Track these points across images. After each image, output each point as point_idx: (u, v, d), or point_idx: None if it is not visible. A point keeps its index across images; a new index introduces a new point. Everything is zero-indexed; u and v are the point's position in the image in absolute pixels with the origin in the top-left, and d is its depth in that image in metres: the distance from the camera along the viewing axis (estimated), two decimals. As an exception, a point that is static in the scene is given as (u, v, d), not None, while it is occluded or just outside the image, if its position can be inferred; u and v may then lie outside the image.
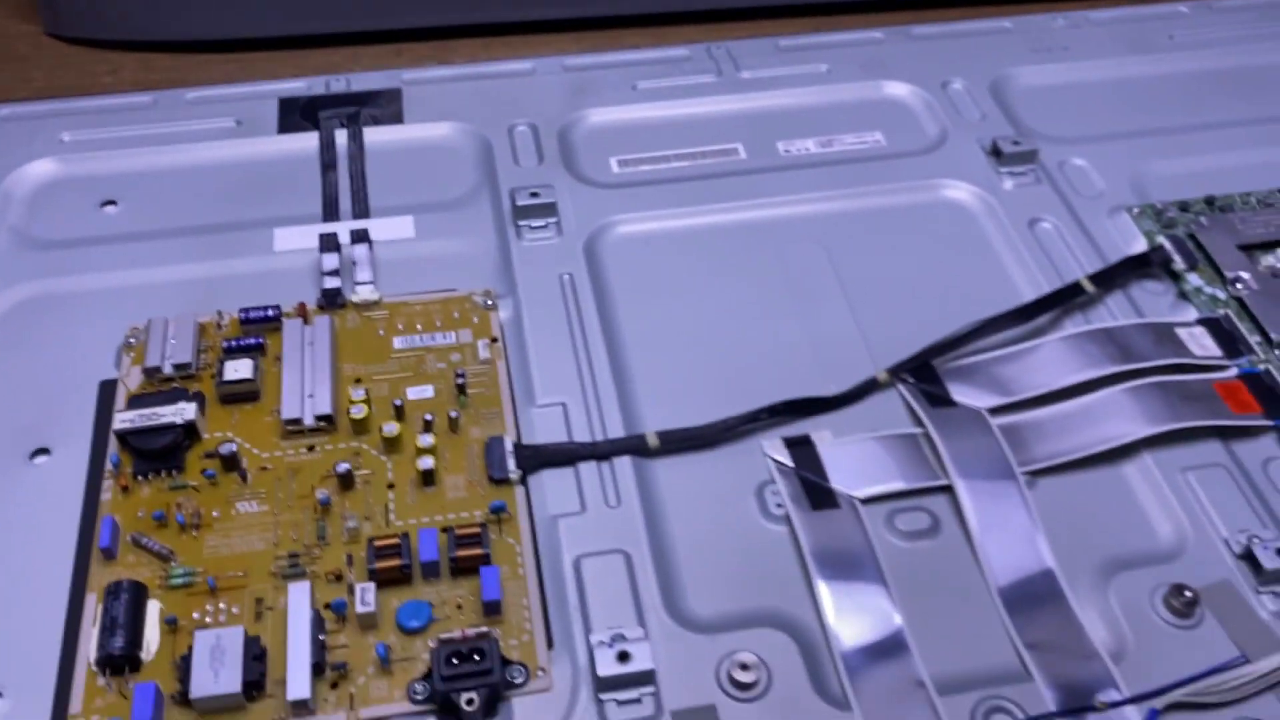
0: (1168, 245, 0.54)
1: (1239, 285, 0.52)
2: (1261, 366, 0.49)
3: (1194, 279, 0.53)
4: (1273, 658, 0.40)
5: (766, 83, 0.65)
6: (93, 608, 0.40)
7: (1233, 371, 0.49)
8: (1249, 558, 0.43)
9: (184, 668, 0.38)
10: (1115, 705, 0.39)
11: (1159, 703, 0.39)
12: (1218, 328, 0.51)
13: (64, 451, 0.46)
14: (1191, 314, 0.52)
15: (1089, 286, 0.52)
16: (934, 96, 0.64)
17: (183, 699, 0.38)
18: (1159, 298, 0.53)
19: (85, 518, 0.44)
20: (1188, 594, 0.42)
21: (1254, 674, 0.40)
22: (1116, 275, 0.53)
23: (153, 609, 0.40)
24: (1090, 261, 0.55)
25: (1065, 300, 0.52)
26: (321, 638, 0.40)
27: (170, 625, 0.40)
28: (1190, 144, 0.61)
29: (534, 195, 0.56)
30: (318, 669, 0.39)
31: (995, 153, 0.59)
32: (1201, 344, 0.50)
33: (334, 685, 0.39)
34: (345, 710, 0.38)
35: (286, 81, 0.64)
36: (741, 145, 0.61)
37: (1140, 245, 0.55)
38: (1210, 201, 0.57)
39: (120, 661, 0.39)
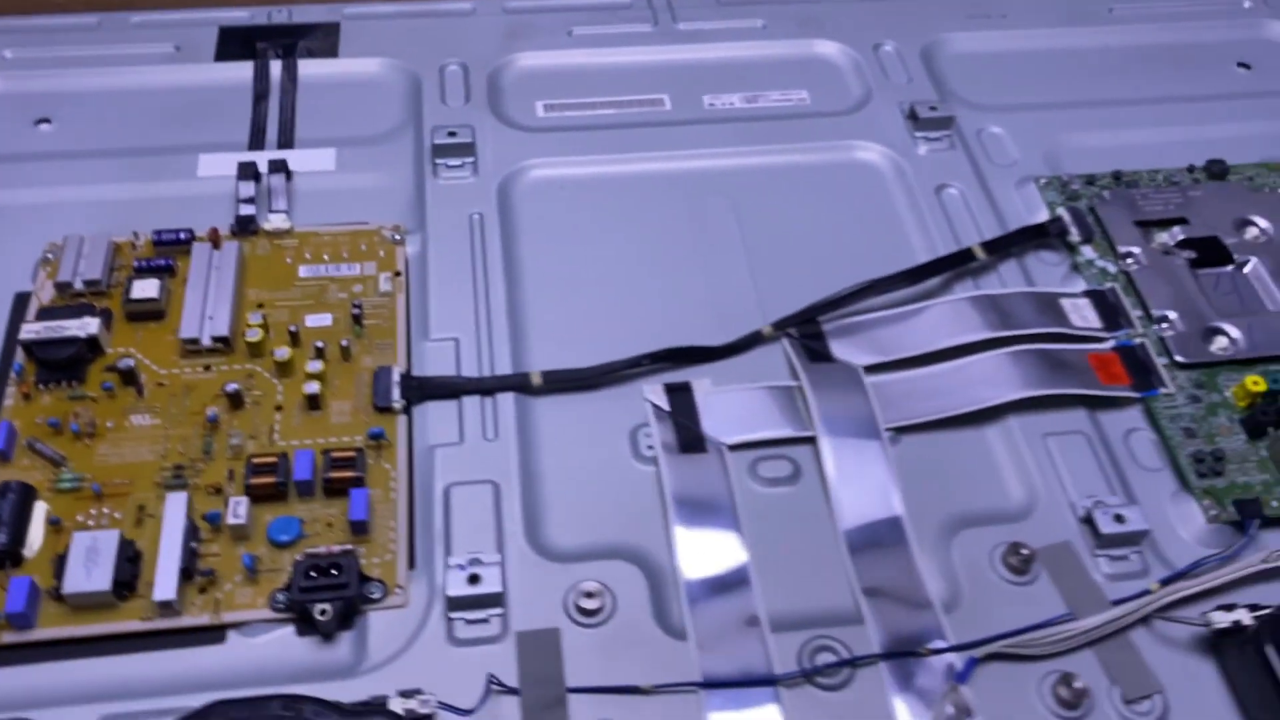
0: (1066, 217, 0.55)
1: (1129, 260, 0.54)
2: (1138, 340, 0.51)
3: (1088, 251, 0.55)
4: (1097, 616, 0.42)
5: (701, 35, 0.66)
6: (-17, 506, 0.43)
7: (1110, 344, 0.51)
8: (1090, 522, 0.45)
9: (60, 565, 0.41)
10: (936, 652, 0.41)
11: (979, 652, 0.41)
12: (1102, 300, 0.52)
13: (-26, 358, 0.49)
14: (1081, 286, 0.54)
15: (980, 253, 0.54)
16: (864, 58, 0.65)
17: (57, 595, 0.40)
18: (1054, 268, 0.55)
19: (-13, 421, 0.46)
20: (1024, 552, 0.44)
21: (1076, 630, 0.42)
22: (1012, 244, 0.55)
23: (39, 510, 0.43)
24: (990, 229, 0.56)
25: (954, 265, 0.53)
26: (194, 546, 0.42)
27: (54, 526, 0.42)
28: (1111, 118, 0.62)
29: (451, 135, 0.57)
30: (187, 574, 0.41)
31: (912, 117, 0.60)
32: (1083, 315, 0.52)
33: (202, 590, 0.41)
34: (209, 613, 0.41)
35: (230, 10, 0.65)
36: (668, 96, 0.62)
37: (1044, 216, 0.56)
38: (1118, 176, 0.58)
39: (2, 556, 0.41)
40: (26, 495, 0.43)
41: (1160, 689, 0.41)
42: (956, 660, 0.41)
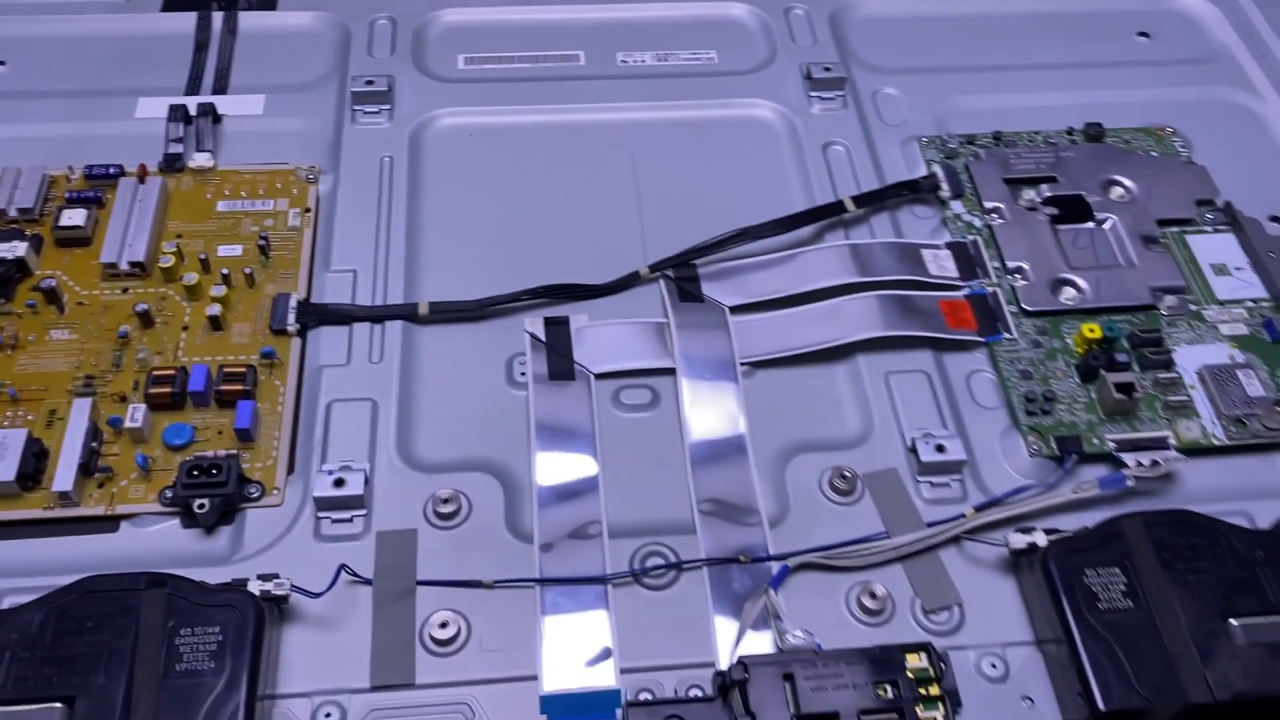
0: (940, 173, 0.58)
1: (994, 215, 0.57)
2: (990, 289, 0.54)
3: (957, 206, 0.58)
4: (909, 535, 0.46)
5: (623, -6, 0.69)
6: (-90, 405, 0.48)
7: (963, 292, 0.54)
8: (915, 451, 0.48)
9: (-29, 459, 0.46)
10: (755, 560, 0.45)
11: (792, 562, 0.45)
12: (963, 251, 0.56)
13: (-85, 276, 0.53)
14: (946, 238, 0.57)
15: (850, 206, 0.57)
16: (774, 20, 0.68)
17: (-34, 483, 0.45)
18: (925, 221, 0.58)
19: (-78, 333, 0.51)
20: (847, 475, 0.48)
21: (888, 546, 0.46)
22: (886, 198, 0.58)
23: (-40, 411, 0.48)
24: (869, 184, 0.59)
25: (825, 216, 0.57)
26: (95, 446, 0.47)
27: (-29, 425, 0.47)
28: (1003, 82, 0.65)
29: (369, 83, 0.61)
30: (86, 470, 0.46)
31: (808, 77, 0.63)
32: (942, 265, 0.55)
33: (100, 485, 0.46)
34: (105, 505, 0.46)
35: (179, -37, 0.70)
36: (584, 52, 0.66)
37: (922, 173, 0.60)
38: (998, 137, 0.61)
39: (-78, 450, 0.46)
40: (-51, 397, 0.48)
41: (959, 601, 0.45)
42: (773, 568, 0.45)
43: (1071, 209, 0.57)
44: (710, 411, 0.50)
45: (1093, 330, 0.51)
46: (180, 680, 0.38)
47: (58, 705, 0.38)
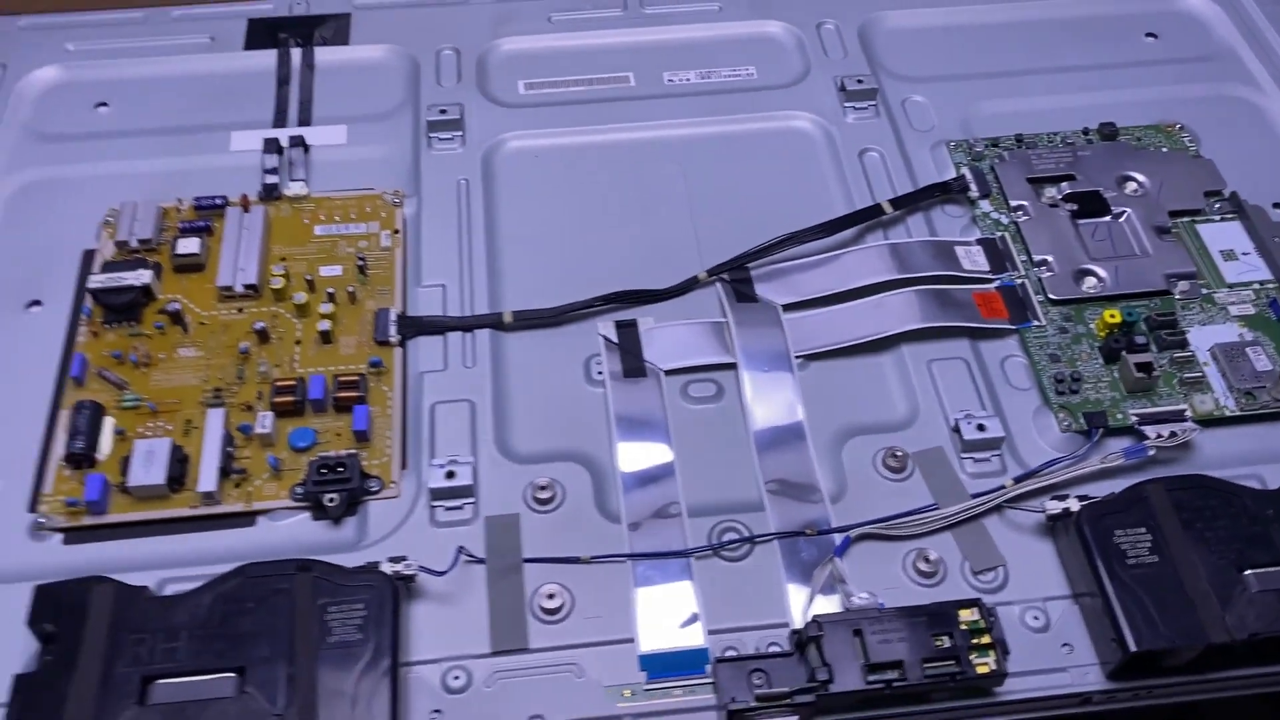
0: (968, 175, 0.64)
1: (1019, 213, 0.62)
2: (1019, 280, 0.60)
3: (985, 205, 0.63)
4: (956, 505, 0.52)
5: (665, 18, 0.74)
6: (65, 419, 0.54)
7: (995, 284, 0.60)
8: (958, 431, 0.54)
9: (125, 465, 0.52)
10: (820, 533, 0.51)
11: (854, 532, 0.51)
12: (992, 247, 0.61)
13: (52, 304, 0.59)
14: (976, 235, 0.62)
15: (888, 208, 0.62)
16: (806, 35, 0.73)
17: (123, 488, 0.51)
18: (956, 220, 0.63)
19: (65, 354, 0.57)
20: (899, 454, 0.53)
21: (937, 516, 0.51)
22: (919, 199, 0.63)
23: (108, 424, 0.54)
24: (904, 187, 0.65)
25: (866, 219, 0.62)
26: (230, 450, 0.53)
27: (119, 436, 0.53)
28: (1022, 86, 0.70)
29: (443, 112, 0.67)
30: (224, 472, 0.52)
31: (842, 89, 0.69)
32: (974, 260, 0.61)
33: (237, 485, 0.52)
34: (243, 502, 0.52)
35: (256, 3, 0.75)
36: (633, 74, 0.71)
37: (951, 175, 0.65)
38: (1019, 139, 0.66)
39: (80, 458, 0.52)
40: (97, 412, 0.54)
41: (1003, 562, 0.50)
42: (836, 539, 0.51)
43: (1090, 204, 0.63)
44: (770, 401, 0.56)
45: (1113, 315, 0.57)
46: (333, 651, 0.44)
47: (231, 675, 0.44)
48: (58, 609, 0.45)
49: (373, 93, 0.70)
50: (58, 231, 0.63)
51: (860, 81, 0.69)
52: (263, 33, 0.73)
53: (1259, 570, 0.47)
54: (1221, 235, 0.62)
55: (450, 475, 0.52)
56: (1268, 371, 0.56)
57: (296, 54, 0.72)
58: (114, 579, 0.46)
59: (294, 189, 0.64)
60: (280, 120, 0.68)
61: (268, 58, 0.72)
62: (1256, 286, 0.60)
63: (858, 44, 0.73)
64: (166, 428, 0.54)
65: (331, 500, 0.51)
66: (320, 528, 0.52)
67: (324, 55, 0.72)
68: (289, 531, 0.51)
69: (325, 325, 0.57)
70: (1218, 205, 0.63)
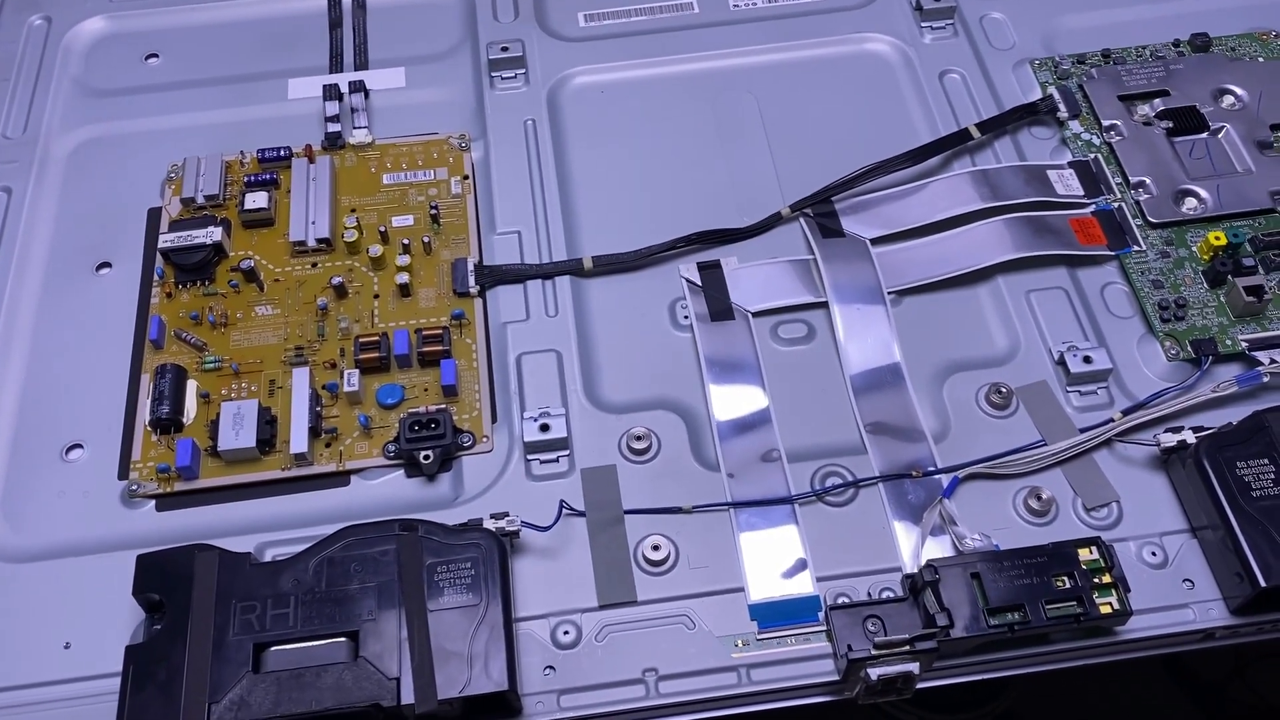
0: (1056, 95, 0.61)
1: (1112, 133, 0.60)
2: (1115, 204, 0.57)
3: (1075, 126, 0.61)
4: (1065, 441, 0.50)
5: (727, -62, 0.72)
6: (147, 384, 0.53)
7: (1090, 209, 0.58)
8: (1063, 364, 0.52)
9: (214, 429, 0.51)
10: (926, 474, 0.50)
11: (961, 473, 0.49)
12: (1085, 170, 0.59)
13: (121, 265, 0.58)
14: (1067, 157, 0.60)
15: (975, 133, 0.60)
16: (880, -49, 0.70)
17: (213, 452, 0.50)
18: (1044, 143, 0.61)
19: (139, 316, 0.56)
20: (1004, 390, 0.52)
21: (1047, 453, 0.50)
22: (1006, 122, 0.61)
23: (191, 387, 0.53)
24: (988, 110, 0.62)
25: (953, 145, 0.60)
26: (318, 409, 0.52)
27: (204, 399, 0.52)
28: (1108, -2, 0.67)
29: (504, 50, 0.64)
30: (314, 432, 0.51)
31: (918, 8, 0.66)
32: (1067, 184, 0.58)
33: (327, 445, 0.51)
34: (335, 462, 0.51)
35: (301, -58, 0.73)
36: (696, 0, 0.69)
37: (1037, 95, 0.62)
38: (1106, 55, 0.63)
39: (167, 424, 0.51)
40: (180, 375, 0.53)
41: (1116, 498, 0.49)
42: (944, 480, 0.50)
43: (1186, 121, 0.60)
44: (865, 340, 0.54)
45: (1218, 238, 0.55)
46: (445, 612, 0.44)
47: (343, 640, 0.43)
48: (163, 578, 0.45)
49: (428, 32, 0.68)
50: (119, 190, 0.61)
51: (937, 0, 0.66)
52: (312, -27, 0.71)
53: (1389, 498, 0.46)
54: (1325, 148, 0.59)
55: (545, 428, 0.50)
56: (1383, 290, 0.54)
57: (348, -6, 0.69)
58: (216, 546, 0.46)
59: (358, 137, 0.62)
60: (336, 65, 0.66)
61: (319, 1, 0.69)
62: (1367, 200, 0.57)
63: (933, -43, 0.70)
64: (251, 389, 0.53)
65: (427, 457, 0.50)
66: (415, 485, 0.51)
67: (374, -5, 0.70)
68: (384, 490, 0.51)
69: (404, 278, 0.55)
70: (1321, 116, 0.61)
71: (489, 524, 0.47)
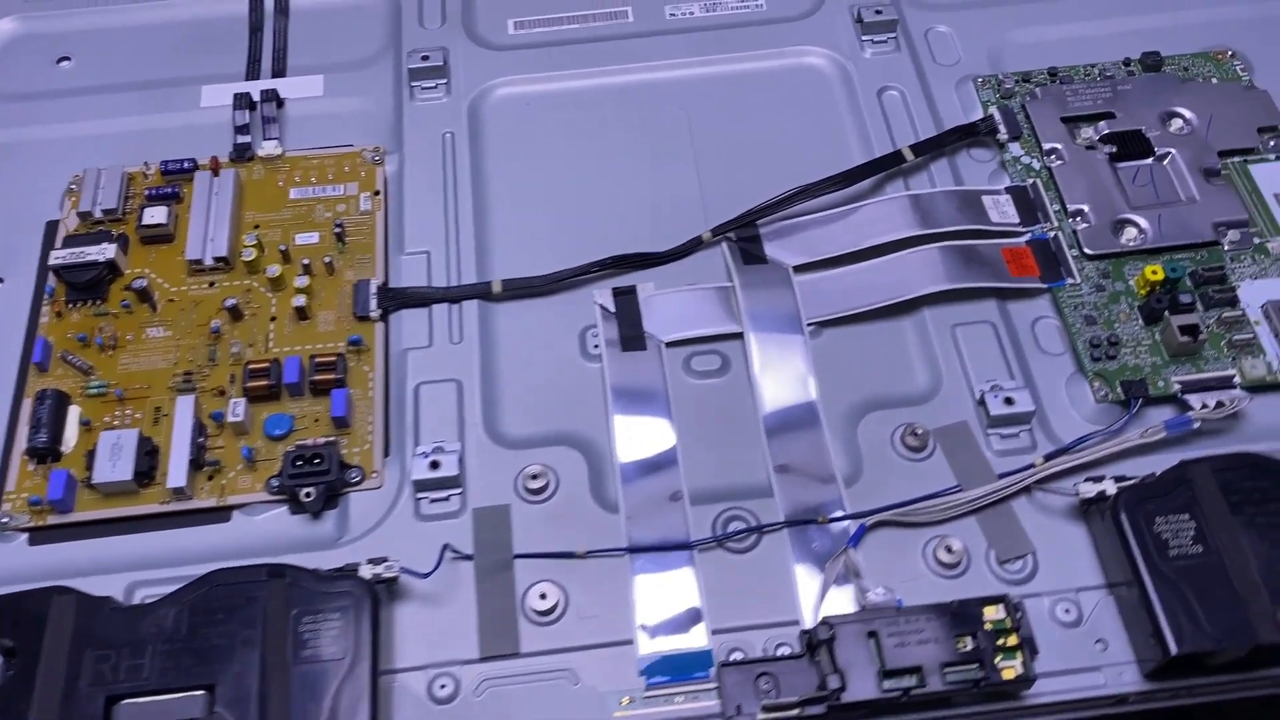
0: (996, 115, 0.58)
1: (1053, 157, 0.57)
2: (1052, 233, 0.55)
3: (1015, 148, 0.58)
4: (982, 488, 0.48)
5: (666, -56, 0.69)
6: (28, 409, 0.51)
7: (1025, 238, 0.55)
8: (984, 404, 0.50)
9: (90, 459, 0.48)
10: (832, 520, 0.47)
11: (869, 520, 0.47)
12: (1023, 196, 0.56)
13: (14, 281, 0.56)
14: (1006, 182, 0.57)
15: (909, 155, 0.57)
16: (821, -41, 0.67)
17: (89, 484, 0.48)
18: (984, 165, 0.58)
19: (28, 337, 0.53)
20: (919, 432, 0.49)
21: (961, 500, 0.48)
22: (944, 144, 0.58)
23: (73, 413, 0.50)
24: (927, 130, 0.59)
25: (885, 168, 0.57)
26: (201, 440, 0.49)
27: (85, 426, 0.50)
28: (1056, 12, 0.64)
29: (424, 59, 0.62)
30: (196, 464, 0.49)
31: (859, 20, 0.63)
32: (1003, 211, 0.56)
33: (209, 478, 0.49)
34: (216, 497, 0.49)
35: (226, -58, 0.70)
36: (631, 8, 0.66)
37: (979, 115, 0.60)
38: (1053, 73, 0.60)
39: (45, 452, 0.49)
40: (61, 401, 0.50)
41: (1032, 550, 0.46)
42: (851, 527, 0.47)
43: (1130, 145, 0.57)
44: (780, 374, 0.51)
45: (1155, 272, 0.52)
46: (307, 665, 0.41)
47: (199, 693, 0.41)
48: (16, 622, 0.43)
49: (351, 38, 0.65)
50: (19, 200, 0.59)
51: (879, 11, 0.63)
52: (234, -26, 0.68)
53: (1315, 560, 0.43)
54: (1277, 176, 0.57)
55: (435, 465, 0.48)
56: (1326, 331, 0.51)
57: (270, -3, 0.67)
58: (75, 589, 0.44)
59: (267, 148, 0.59)
60: (253, 72, 0.64)
61: (239, 2, 0.67)
62: (1315, 234, 0.55)
63: (877, -33, 0.67)
64: (135, 416, 0.50)
65: (308, 495, 0.47)
66: (299, 523, 0.48)
67: (298, -1, 0.67)
68: (266, 527, 0.48)
69: (300, 301, 0.53)
70: (1273, 142, 0.57)
71: (365, 570, 0.44)
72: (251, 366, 0.51)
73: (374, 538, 0.48)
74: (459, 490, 0.48)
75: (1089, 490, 0.46)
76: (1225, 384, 0.50)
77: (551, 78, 0.63)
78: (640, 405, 0.51)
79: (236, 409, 0.50)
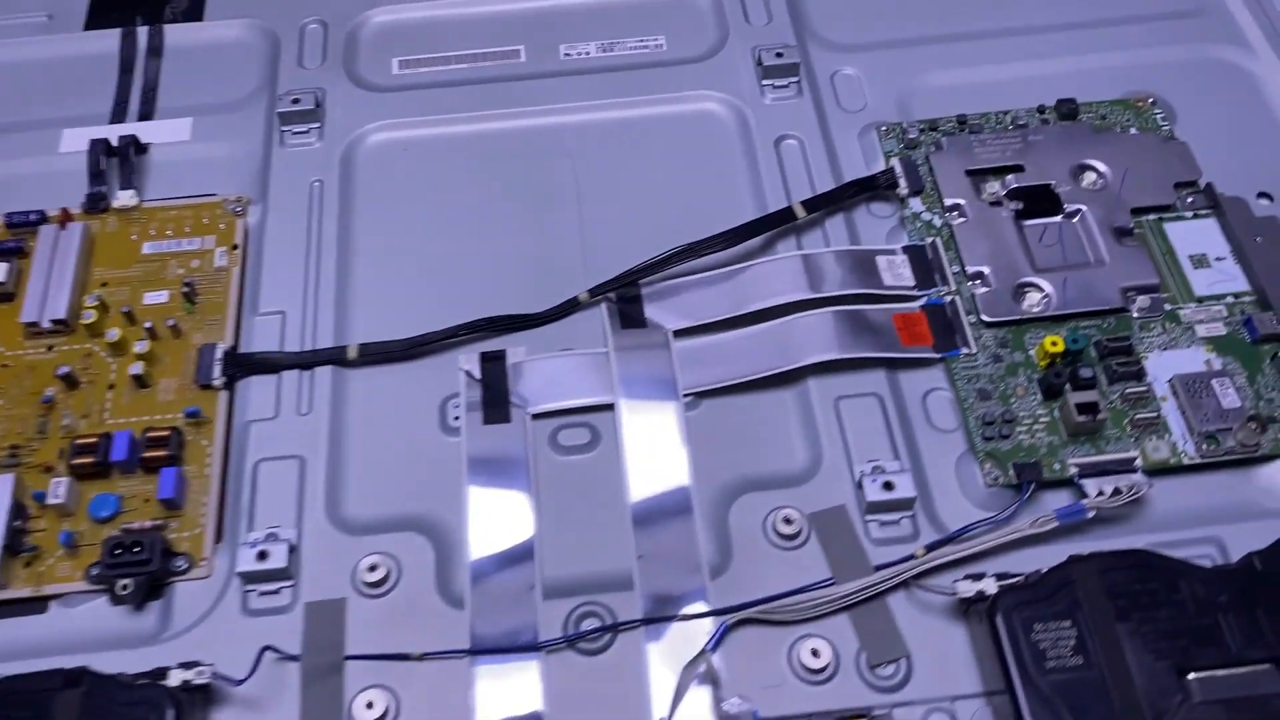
0: (897, 168, 0.55)
1: (955, 213, 0.53)
2: (948, 298, 0.51)
3: (916, 204, 0.54)
4: (855, 582, 0.44)
5: (566, -22, 0.65)
6: None
7: (920, 302, 0.51)
8: (862, 488, 0.46)
9: (-105, 545, 0.45)
10: (689, 618, 0.43)
11: (730, 619, 0.43)
12: (920, 256, 0.52)
13: None
14: (903, 241, 0.54)
15: (800, 212, 0.54)
16: (727, -3, 0.64)
17: (-107, 571, 0.45)
18: (884, 221, 0.55)
19: None
20: (791, 519, 0.46)
21: (833, 595, 0.44)
22: (840, 199, 0.55)
23: (-112, 492, 0.47)
24: (824, 180, 0.56)
25: (774, 225, 0.53)
26: (19, 524, 0.46)
27: (-101, 507, 0.47)
28: (973, 54, 0.61)
29: (295, 101, 0.58)
30: (11, 550, 0.45)
31: (759, 63, 0.59)
32: (898, 273, 0.52)
33: (27, 564, 0.45)
34: (32, 586, 0.45)
35: (102, -27, 0.66)
36: (524, 48, 0.62)
37: (881, 166, 0.56)
38: (962, 121, 0.57)
39: None
40: None
41: (906, 653, 0.43)
42: (713, 624, 0.43)
43: (1038, 202, 0.53)
44: (651, 451, 0.48)
45: (1055, 343, 0.48)
46: (97, 788, 0.38)
47: (-25, 819, 0.38)
48: None
49: (226, 78, 0.61)
50: None
51: (780, 55, 0.59)
52: (108, 8, 0.64)
53: (1204, 674, 0.39)
54: (1193, 236, 0.53)
55: (263, 556, 0.44)
56: (1235, 409, 0.47)
57: (143, 34, 0.63)
58: None
59: (123, 198, 0.55)
60: (120, 114, 0.60)
61: (111, 39, 0.63)
62: (1230, 300, 0.51)
63: (784, 5, 0.63)
64: (-48, 495, 0.47)
65: (125, 587, 0.44)
66: (119, 615, 0.45)
67: (174, 35, 0.63)
68: (84, 619, 0.45)
69: (138, 368, 0.49)
70: (1190, 199, 0.54)
71: (175, 675, 0.41)
72: (79, 442, 0.47)
73: (197, 633, 0.44)
74: (290, 582, 0.45)
75: (967, 589, 0.42)
76: (1126, 467, 0.46)
77: (433, 122, 0.59)
78: (499, 485, 0.47)
79: (58, 489, 0.46)
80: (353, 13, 0.64)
